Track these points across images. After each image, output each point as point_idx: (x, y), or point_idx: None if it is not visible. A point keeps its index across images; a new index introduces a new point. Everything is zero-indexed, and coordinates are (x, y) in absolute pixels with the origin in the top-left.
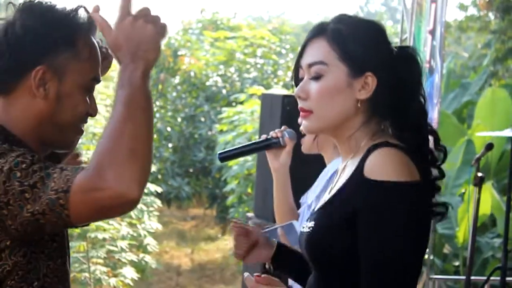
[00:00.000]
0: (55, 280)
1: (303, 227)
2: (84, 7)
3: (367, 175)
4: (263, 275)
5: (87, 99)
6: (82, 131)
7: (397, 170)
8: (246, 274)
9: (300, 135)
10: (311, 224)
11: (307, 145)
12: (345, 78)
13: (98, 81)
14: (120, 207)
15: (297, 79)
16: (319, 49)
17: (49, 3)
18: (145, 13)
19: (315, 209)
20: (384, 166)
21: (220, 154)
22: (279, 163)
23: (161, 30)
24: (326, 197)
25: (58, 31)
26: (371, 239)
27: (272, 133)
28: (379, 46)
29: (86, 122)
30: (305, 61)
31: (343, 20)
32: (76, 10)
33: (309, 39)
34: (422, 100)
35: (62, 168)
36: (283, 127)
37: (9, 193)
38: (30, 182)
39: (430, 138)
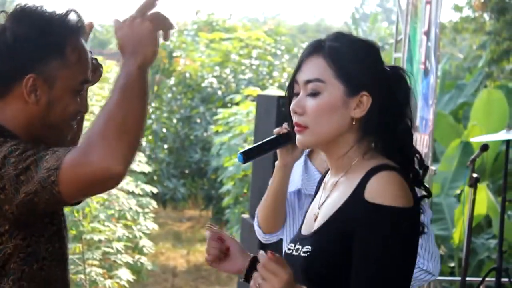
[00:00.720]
0: (53, 263)
1: (290, 249)
2: (75, 10)
3: (368, 199)
4: (277, 255)
5: (78, 98)
6: (74, 128)
7: (398, 196)
8: (261, 252)
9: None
10: (308, 248)
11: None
12: (341, 96)
13: (88, 82)
14: (105, 181)
15: (291, 93)
16: (316, 66)
17: (39, 9)
18: (142, 11)
19: (306, 232)
20: (386, 191)
21: (242, 153)
22: (292, 157)
23: (159, 25)
24: (320, 215)
25: (48, 39)
26: (367, 258)
27: (287, 127)
28: (374, 66)
29: (77, 119)
30: (302, 78)
31: (340, 38)
32: (66, 14)
33: (306, 56)
34: (409, 121)
35: (55, 150)
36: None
37: (5, 178)
38: (23, 165)
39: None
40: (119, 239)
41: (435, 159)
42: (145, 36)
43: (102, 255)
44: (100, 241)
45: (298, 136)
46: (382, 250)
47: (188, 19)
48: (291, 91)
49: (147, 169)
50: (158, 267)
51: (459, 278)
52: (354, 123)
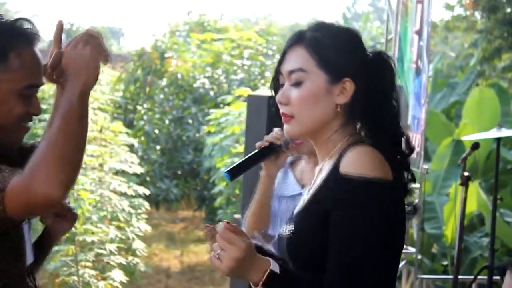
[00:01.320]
0: (16, 280)
1: (283, 230)
2: (27, 19)
3: (341, 171)
4: (233, 224)
5: (29, 101)
6: (28, 129)
7: (370, 167)
8: (219, 223)
9: None
10: (291, 227)
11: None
12: (324, 84)
13: (37, 86)
14: (45, 206)
15: (277, 85)
16: (298, 56)
17: None
18: (86, 37)
19: (294, 212)
20: (358, 161)
21: (228, 172)
22: (276, 167)
23: (99, 51)
24: (305, 198)
25: None
26: (338, 234)
27: (270, 138)
28: (355, 52)
29: (30, 120)
30: (285, 68)
31: (320, 27)
32: (15, 21)
33: (288, 47)
34: (395, 103)
35: (2, 169)
36: (276, 130)
37: None
38: None
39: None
40: (112, 241)
41: (427, 158)
42: (86, 61)
43: (95, 257)
44: (93, 242)
45: (285, 126)
46: (352, 224)
47: (180, 20)
48: (277, 83)
49: (139, 170)
50: (151, 268)
51: (451, 277)
52: (338, 109)
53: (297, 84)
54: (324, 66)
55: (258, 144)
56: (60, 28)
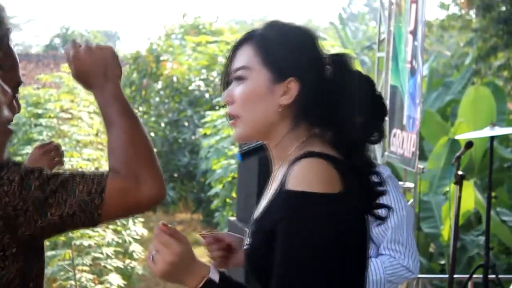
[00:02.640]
0: (42, 278)
1: (246, 242)
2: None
3: (286, 186)
4: (169, 225)
5: (15, 100)
6: (11, 132)
7: (311, 181)
8: (159, 223)
9: None
10: (248, 241)
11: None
12: (266, 83)
13: (21, 83)
14: (152, 205)
15: (226, 85)
16: (244, 54)
17: None
18: (90, 44)
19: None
20: (300, 176)
21: (241, 151)
22: None
23: (112, 49)
24: (259, 211)
25: None
26: (277, 248)
27: None
28: (305, 52)
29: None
30: (232, 67)
31: (272, 26)
32: None
33: (237, 46)
34: (354, 110)
35: (80, 173)
36: None
37: (29, 201)
38: (51, 188)
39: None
40: (108, 244)
41: (424, 157)
42: (110, 60)
43: (92, 261)
44: (89, 246)
45: (233, 132)
46: (290, 240)
47: (175, 23)
48: (226, 84)
49: None
50: (149, 272)
51: (447, 276)
52: (280, 110)
53: (239, 81)
54: (268, 64)
55: None
56: None
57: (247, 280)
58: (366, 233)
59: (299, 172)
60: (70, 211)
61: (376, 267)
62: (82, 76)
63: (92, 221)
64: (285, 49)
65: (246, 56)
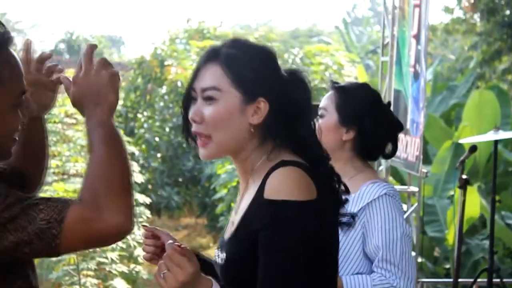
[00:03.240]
0: None
1: (217, 256)
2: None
3: (266, 196)
4: (183, 246)
5: (21, 109)
6: (16, 140)
7: (291, 189)
8: (169, 241)
9: None
10: (223, 255)
11: None
12: (238, 103)
13: (25, 91)
14: (115, 238)
15: (188, 103)
16: (212, 74)
17: None
18: (89, 61)
19: (225, 239)
20: (280, 185)
21: None
22: None
23: (114, 74)
24: (234, 224)
25: None
26: (262, 258)
27: None
28: (270, 71)
29: (20, 130)
30: (199, 85)
31: (236, 45)
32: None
33: (203, 63)
34: (311, 121)
35: (45, 199)
36: None
37: None
38: (10, 214)
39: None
40: (113, 249)
41: (428, 161)
42: (104, 86)
43: (97, 265)
44: (94, 251)
45: (201, 151)
46: (279, 248)
47: (179, 28)
48: (188, 100)
49: (140, 178)
50: (154, 276)
51: (452, 280)
52: (252, 130)
53: (210, 102)
54: (239, 85)
55: None
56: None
57: None
58: (337, 238)
59: (278, 181)
60: (27, 238)
61: (365, 283)
62: (78, 102)
63: (51, 250)
64: (253, 69)
65: (214, 76)
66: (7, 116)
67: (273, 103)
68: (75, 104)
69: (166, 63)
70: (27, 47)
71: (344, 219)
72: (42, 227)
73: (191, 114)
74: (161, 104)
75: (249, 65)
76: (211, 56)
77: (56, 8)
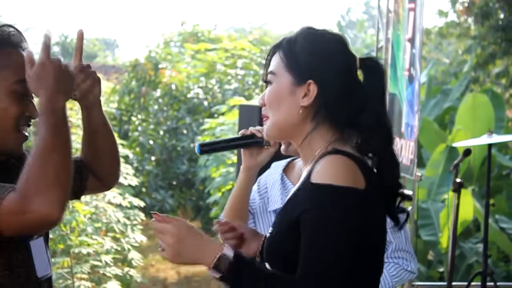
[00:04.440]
0: (8, 274)
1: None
2: (12, 26)
3: (312, 180)
4: (160, 214)
5: (24, 102)
6: (26, 137)
7: (337, 175)
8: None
9: None
10: (271, 229)
11: (285, 148)
12: (289, 85)
13: (25, 81)
14: (42, 227)
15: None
16: (274, 60)
17: None
18: (46, 53)
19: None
20: (326, 170)
21: (200, 145)
22: (255, 161)
23: (67, 68)
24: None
25: None
26: (308, 242)
27: (253, 130)
28: (327, 56)
29: (28, 125)
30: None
31: (302, 32)
32: (4, 27)
33: (271, 52)
34: (382, 110)
35: None
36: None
37: None
38: None
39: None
40: (107, 252)
41: (422, 165)
42: (67, 79)
43: (90, 269)
44: (88, 254)
45: (264, 127)
46: (318, 231)
47: (174, 31)
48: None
49: (134, 181)
50: (148, 280)
51: (446, 283)
52: (301, 111)
53: (269, 85)
54: (291, 67)
55: (241, 131)
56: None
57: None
58: (385, 233)
59: (325, 167)
60: None
61: (384, 277)
62: (36, 79)
63: None
64: (308, 53)
65: (274, 62)
66: (4, 101)
67: (324, 86)
68: (32, 81)
69: (160, 66)
70: (80, 36)
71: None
72: None
73: (259, 99)
74: (155, 107)
75: (304, 49)
76: (278, 44)
77: (51, 11)
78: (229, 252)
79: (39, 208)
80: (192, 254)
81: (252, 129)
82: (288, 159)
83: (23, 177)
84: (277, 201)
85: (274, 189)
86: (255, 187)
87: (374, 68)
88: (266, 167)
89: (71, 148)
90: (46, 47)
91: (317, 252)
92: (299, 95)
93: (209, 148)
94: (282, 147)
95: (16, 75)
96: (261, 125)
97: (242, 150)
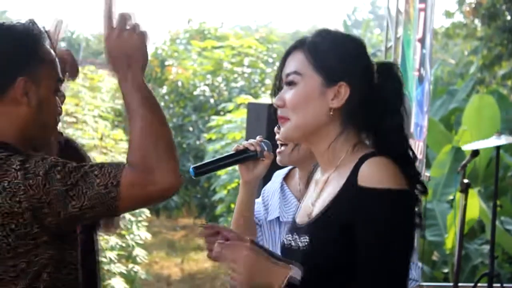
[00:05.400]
0: (78, 266)
1: (290, 241)
2: (34, 20)
3: (362, 184)
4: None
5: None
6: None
7: (391, 178)
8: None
9: (275, 146)
10: (306, 238)
11: (284, 157)
12: (318, 86)
13: (62, 80)
14: (165, 197)
15: (276, 90)
16: (296, 60)
17: (6, 24)
18: (127, 23)
19: (297, 221)
20: (378, 173)
21: (194, 168)
22: (253, 175)
23: (145, 36)
24: (314, 210)
25: (24, 47)
26: (370, 245)
27: (246, 144)
28: (355, 58)
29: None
30: (284, 72)
31: (322, 33)
32: (30, 23)
33: (289, 52)
34: (402, 115)
35: (99, 165)
36: (258, 138)
37: (51, 193)
38: (72, 181)
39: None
40: (112, 248)
41: (428, 165)
42: (137, 49)
43: None
44: None
45: (281, 129)
46: (384, 235)
47: (180, 28)
48: (276, 88)
49: None
50: (152, 276)
51: (452, 284)
52: (331, 113)
53: (292, 86)
54: (320, 69)
55: (234, 147)
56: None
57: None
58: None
59: (375, 170)
60: (89, 204)
61: None
62: (110, 60)
63: (111, 212)
64: (336, 55)
65: (297, 62)
66: (52, 98)
67: (355, 88)
68: (108, 60)
69: (166, 63)
70: (57, 25)
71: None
72: (102, 192)
73: (275, 100)
74: (162, 104)
75: (332, 50)
76: (297, 44)
77: (57, 7)
78: (297, 273)
79: (163, 179)
80: (263, 277)
81: (245, 143)
82: (289, 167)
83: (135, 152)
84: (275, 210)
85: (273, 198)
86: (259, 199)
87: (392, 72)
88: (269, 177)
89: (165, 116)
90: (110, 18)
91: (384, 257)
92: (329, 97)
93: (203, 170)
94: (279, 158)
95: (57, 73)
96: (270, 123)
97: (238, 165)
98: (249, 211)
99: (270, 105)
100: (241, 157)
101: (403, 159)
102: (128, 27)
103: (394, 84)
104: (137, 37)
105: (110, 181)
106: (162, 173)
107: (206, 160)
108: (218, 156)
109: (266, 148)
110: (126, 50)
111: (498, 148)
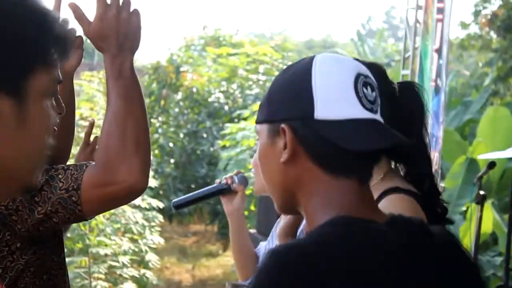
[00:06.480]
0: (60, 272)
1: None
2: None
3: None
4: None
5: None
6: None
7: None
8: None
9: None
10: None
11: (257, 187)
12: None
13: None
14: (131, 197)
15: None
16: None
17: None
18: (126, 5)
19: None
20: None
21: (174, 202)
22: (233, 207)
23: (140, 21)
24: None
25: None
26: None
27: (227, 177)
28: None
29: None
30: None
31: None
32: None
33: None
34: (425, 137)
35: (64, 168)
36: (235, 172)
37: (17, 200)
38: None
39: None
40: (125, 253)
41: (441, 176)
42: (133, 32)
43: (108, 269)
44: (106, 255)
45: None
46: None
47: (195, 34)
48: None
49: (153, 183)
50: (163, 282)
51: None
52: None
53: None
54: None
55: (217, 180)
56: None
57: None
58: None
59: (391, 207)
60: (53, 209)
61: None
62: (98, 38)
63: (77, 217)
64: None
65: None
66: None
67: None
68: (96, 39)
69: (181, 69)
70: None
71: None
72: (63, 197)
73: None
74: (176, 110)
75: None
76: None
77: (66, 10)
78: None
79: (125, 178)
80: None
81: (226, 177)
82: None
83: (100, 148)
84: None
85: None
86: (264, 243)
87: (414, 93)
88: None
89: (145, 109)
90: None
91: None
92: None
93: (182, 204)
94: (255, 187)
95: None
96: None
97: (221, 198)
98: (243, 239)
99: None
100: (215, 190)
101: (430, 193)
102: (127, 9)
103: (418, 106)
104: (135, 19)
105: (71, 184)
106: (125, 171)
107: (185, 195)
108: (195, 192)
109: (236, 181)
110: (123, 31)
111: None
